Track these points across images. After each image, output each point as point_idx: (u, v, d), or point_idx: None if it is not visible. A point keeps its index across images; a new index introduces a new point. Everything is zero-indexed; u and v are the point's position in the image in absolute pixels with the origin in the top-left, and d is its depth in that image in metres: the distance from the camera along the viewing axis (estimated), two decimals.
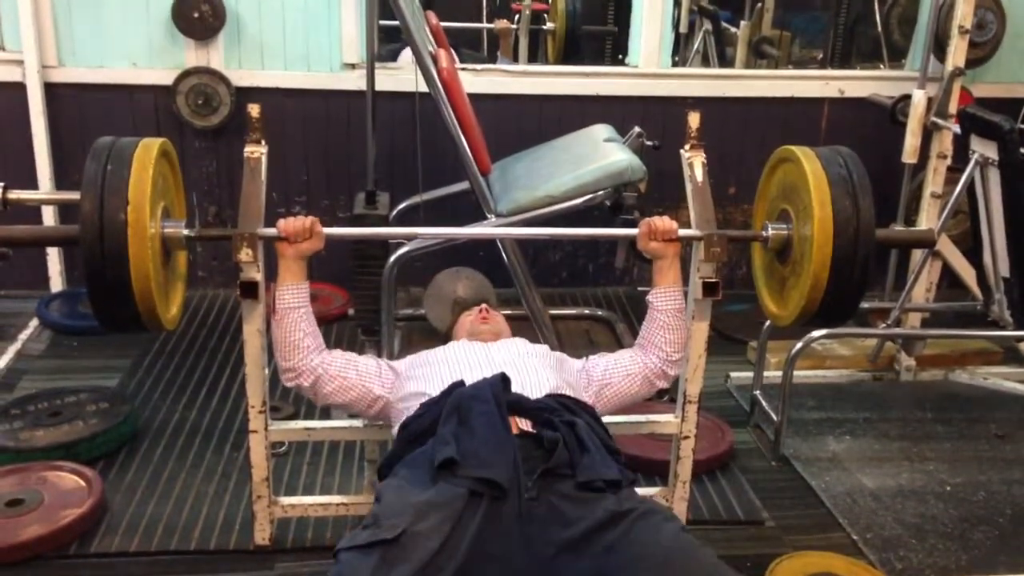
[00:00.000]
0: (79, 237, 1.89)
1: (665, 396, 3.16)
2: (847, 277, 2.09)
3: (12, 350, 3.42)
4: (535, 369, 2.12)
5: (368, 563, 1.61)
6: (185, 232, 2.09)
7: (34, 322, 3.64)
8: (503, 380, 1.98)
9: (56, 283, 3.89)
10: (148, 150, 1.98)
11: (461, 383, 2.01)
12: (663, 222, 2.21)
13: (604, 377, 2.25)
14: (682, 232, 2.22)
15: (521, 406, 1.93)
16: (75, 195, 1.94)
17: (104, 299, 1.94)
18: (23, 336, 3.53)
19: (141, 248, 1.90)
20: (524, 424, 1.89)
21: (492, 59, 5.16)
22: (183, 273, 2.27)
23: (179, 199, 2.24)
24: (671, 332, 2.24)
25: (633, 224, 3.04)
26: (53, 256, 3.86)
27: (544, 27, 5.32)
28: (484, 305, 2.51)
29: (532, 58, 5.37)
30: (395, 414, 2.16)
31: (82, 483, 2.54)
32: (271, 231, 2.12)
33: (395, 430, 2.12)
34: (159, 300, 1.99)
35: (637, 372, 2.25)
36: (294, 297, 2.14)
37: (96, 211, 1.88)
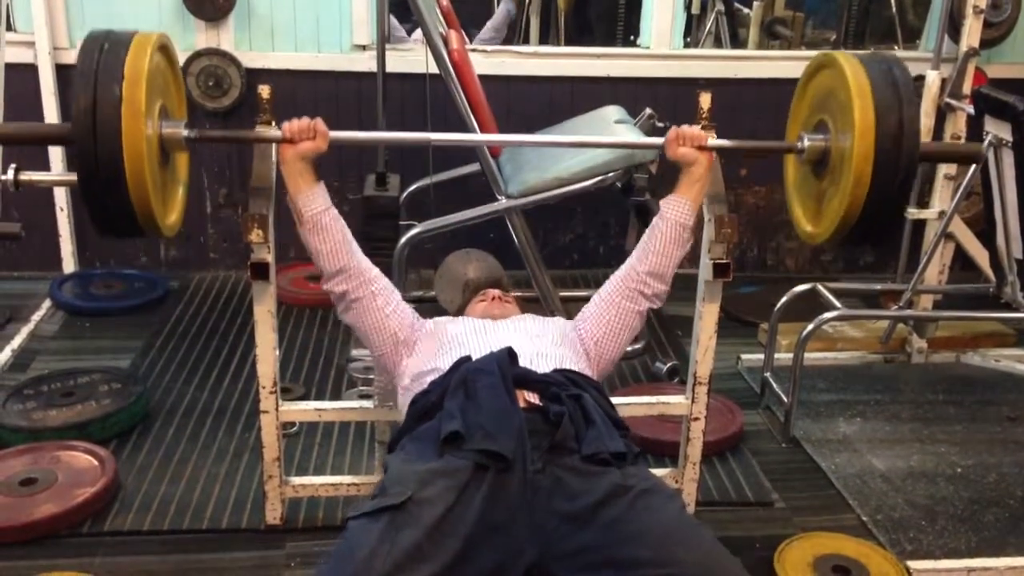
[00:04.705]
0: (71, 135, 1.79)
1: (675, 378, 3.17)
2: (888, 190, 1.97)
3: (25, 331, 3.43)
4: (543, 344, 2.11)
5: (375, 528, 1.62)
6: (185, 132, 1.98)
7: (47, 303, 3.66)
8: (509, 354, 1.98)
9: (69, 264, 3.90)
10: (144, 43, 1.86)
11: (468, 358, 2.02)
12: (692, 129, 2.15)
13: (582, 329, 2.23)
14: (712, 143, 2.15)
15: (527, 379, 1.93)
16: None
17: (99, 200, 1.84)
18: (36, 317, 3.55)
19: (137, 146, 1.78)
20: (531, 397, 1.89)
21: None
22: (184, 179, 2.17)
23: (179, 99, 2.12)
24: (660, 243, 2.16)
25: (644, 205, 3.06)
26: (66, 237, 3.88)
27: None
28: (498, 292, 2.47)
29: (543, 39, 5.35)
30: (399, 363, 2.16)
31: (95, 462, 2.56)
32: (275, 133, 2.07)
33: (403, 407, 2.12)
34: (156, 203, 1.89)
35: (611, 309, 2.19)
36: (318, 200, 2.08)
37: (89, 107, 1.77)
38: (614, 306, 2.21)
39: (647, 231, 2.21)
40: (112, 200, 1.83)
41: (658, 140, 2.20)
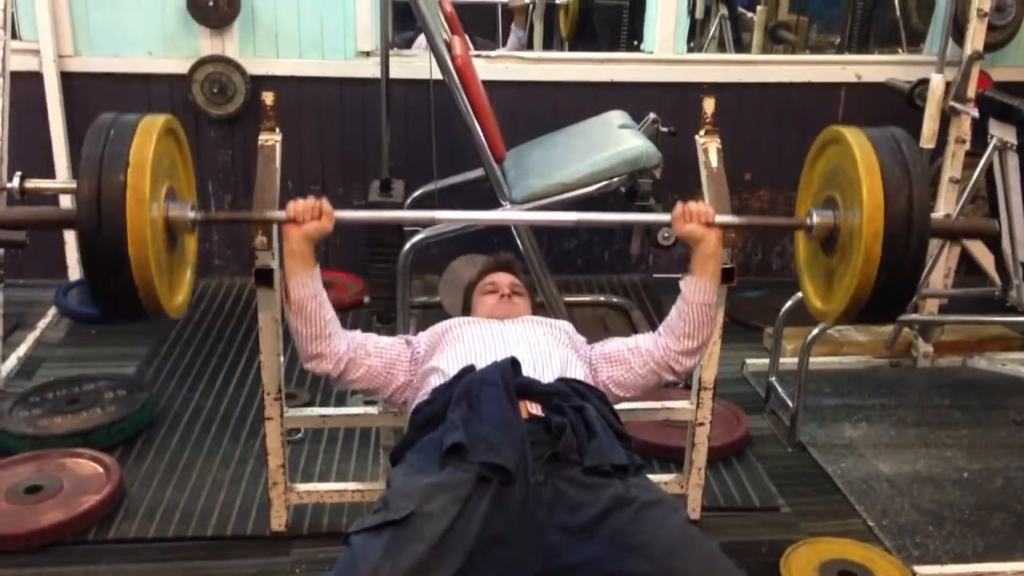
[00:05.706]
0: (76, 220, 1.78)
1: (680, 383, 3.16)
2: (899, 269, 1.91)
3: (31, 338, 3.44)
4: (547, 351, 2.11)
5: (379, 544, 1.61)
6: (191, 215, 1.96)
7: (52, 310, 3.66)
8: (513, 364, 1.98)
9: (74, 272, 3.91)
10: (150, 128, 1.86)
11: (472, 368, 2.01)
12: (698, 205, 2.11)
13: (601, 359, 2.21)
14: (719, 219, 2.10)
15: (530, 390, 1.92)
16: None
17: (103, 285, 1.83)
18: (42, 324, 3.55)
19: (140, 232, 1.77)
20: (534, 408, 1.88)
21: (505, 39, 5.17)
22: (192, 260, 2.16)
23: (188, 181, 2.10)
24: (690, 325, 2.14)
25: (648, 210, 3.05)
26: (71, 245, 3.88)
27: (558, 1, 5.30)
28: (508, 282, 2.44)
29: (547, 43, 5.36)
30: (412, 394, 2.16)
31: (100, 470, 2.57)
32: (279, 214, 2.06)
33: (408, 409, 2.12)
34: (161, 287, 1.87)
35: (639, 362, 2.18)
36: (308, 286, 2.08)
37: (93, 194, 1.76)
38: (641, 363, 2.18)
39: (674, 312, 2.16)
40: (117, 285, 1.82)
41: (665, 216, 2.16)
